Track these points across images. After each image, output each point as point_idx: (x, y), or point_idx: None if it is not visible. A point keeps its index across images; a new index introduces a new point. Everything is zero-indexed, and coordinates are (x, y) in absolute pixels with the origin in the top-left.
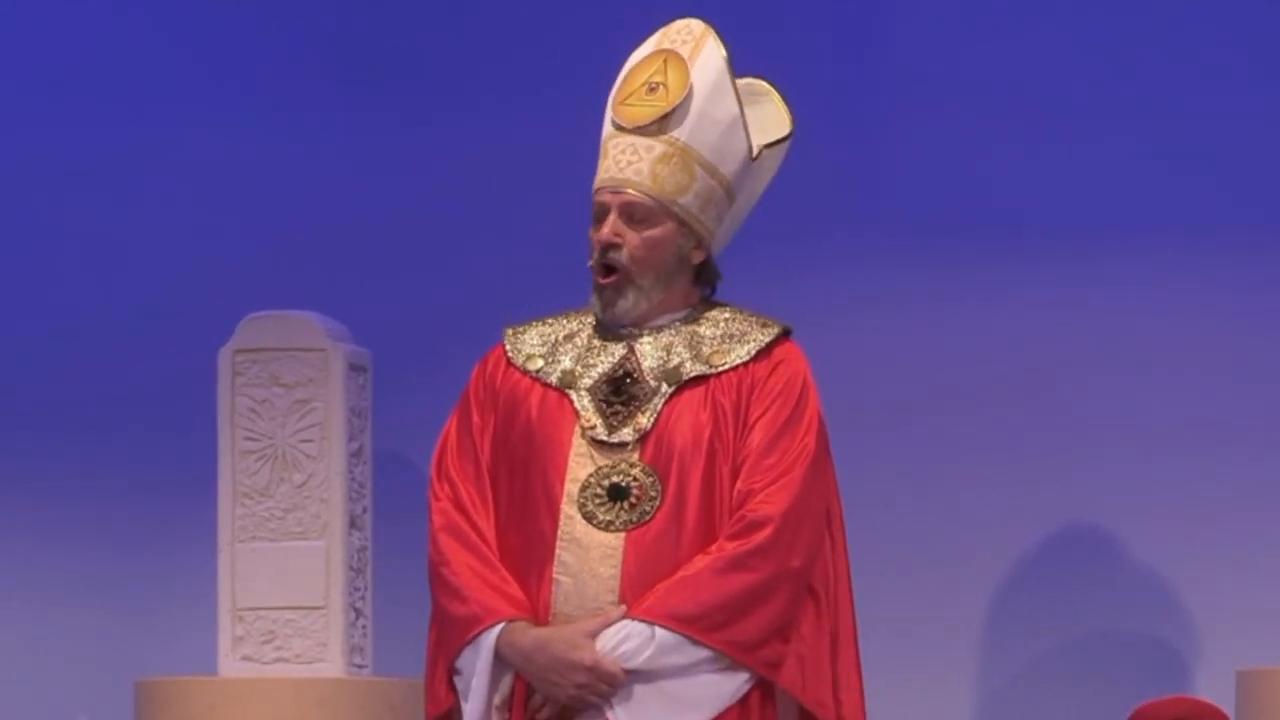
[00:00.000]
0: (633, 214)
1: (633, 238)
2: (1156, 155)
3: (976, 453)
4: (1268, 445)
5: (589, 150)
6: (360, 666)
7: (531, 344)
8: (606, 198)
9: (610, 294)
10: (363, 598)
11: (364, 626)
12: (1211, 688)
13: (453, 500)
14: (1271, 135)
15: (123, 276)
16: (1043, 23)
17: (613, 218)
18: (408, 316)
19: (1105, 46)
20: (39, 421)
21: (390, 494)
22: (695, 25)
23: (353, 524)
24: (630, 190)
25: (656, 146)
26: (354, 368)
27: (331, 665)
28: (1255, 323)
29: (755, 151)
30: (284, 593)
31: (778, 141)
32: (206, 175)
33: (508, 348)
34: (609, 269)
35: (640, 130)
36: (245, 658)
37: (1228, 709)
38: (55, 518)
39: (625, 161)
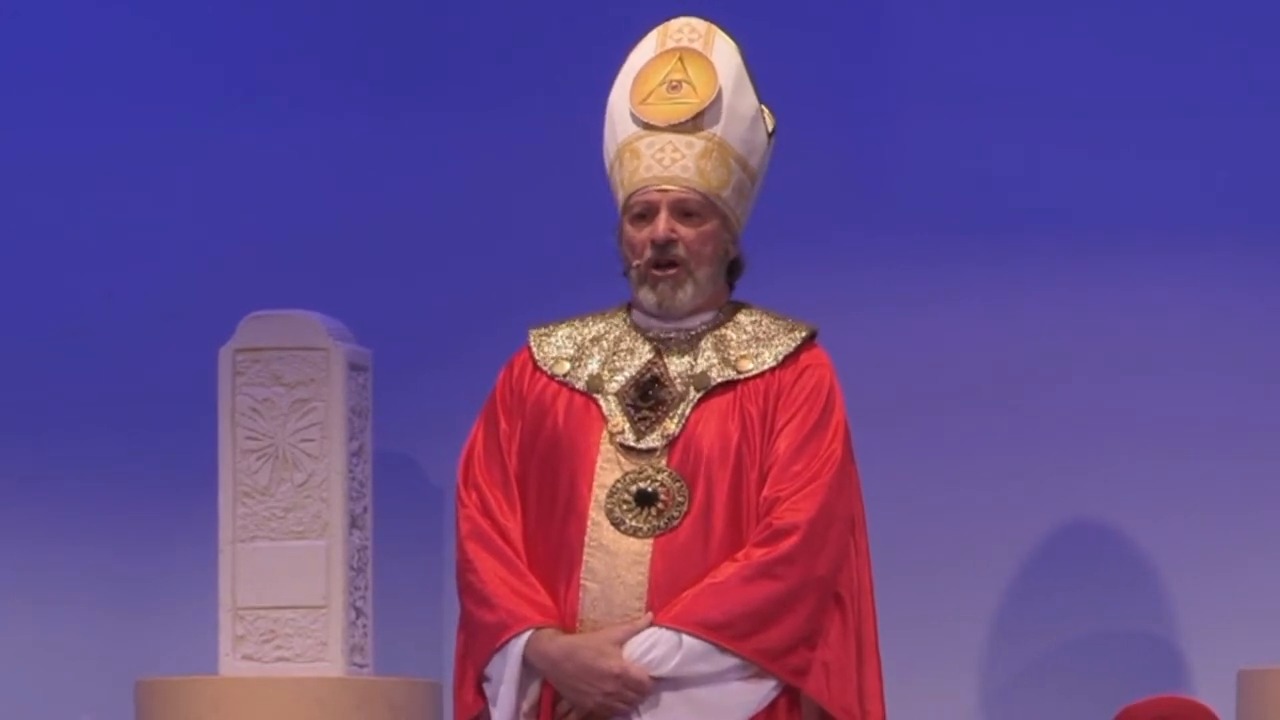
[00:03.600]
0: (685, 210)
1: (687, 233)
2: (1158, 155)
3: (977, 452)
4: (1268, 445)
5: (592, 150)
6: (361, 666)
7: (557, 347)
8: (654, 196)
9: (668, 287)
10: (363, 597)
11: (364, 626)
12: (1213, 688)
13: (480, 507)
14: (1272, 135)
15: (123, 276)
16: (1047, 22)
17: (664, 214)
18: (408, 316)
19: (1109, 46)
20: (40, 421)
21: (391, 493)
22: (698, 23)
23: (353, 523)
24: (680, 187)
25: (697, 143)
26: (355, 367)
27: (332, 665)
28: (1256, 323)
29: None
30: (285, 592)
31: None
32: (207, 174)
33: (534, 351)
34: (669, 263)
35: (676, 128)
36: (246, 657)
37: (1229, 709)
38: (55, 518)
39: (669, 159)
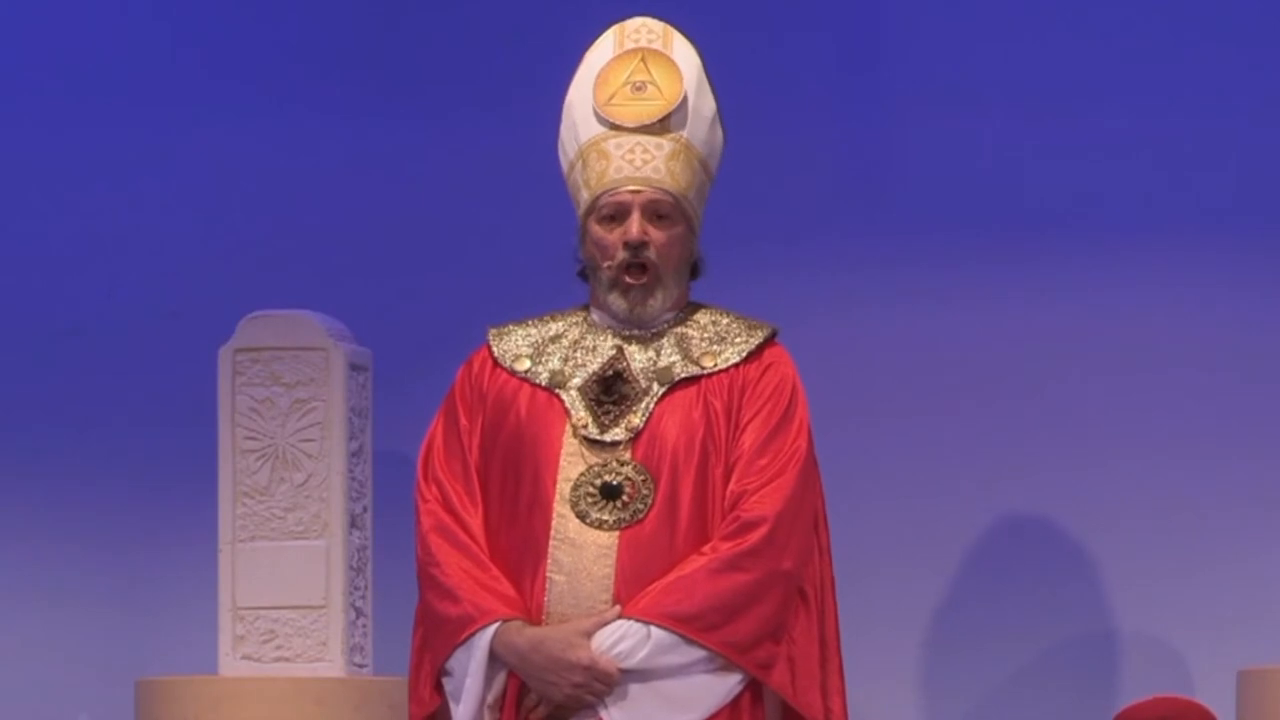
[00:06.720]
0: (658, 212)
1: (659, 235)
2: (1157, 155)
3: (975, 451)
4: (1268, 445)
5: None
6: (360, 666)
7: (517, 345)
8: (625, 197)
9: (640, 294)
10: (363, 597)
11: (364, 626)
12: (1212, 688)
13: (441, 501)
14: (1272, 135)
15: (123, 276)
16: (1047, 22)
17: (636, 216)
18: (408, 316)
19: (1105, 46)
20: (40, 421)
21: (391, 493)
22: (654, 24)
23: (353, 523)
24: (653, 188)
25: (665, 144)
26: (354, 367)
27: (332, 664)
28: (1256, 323)
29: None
30: (284, 592)
31: None
32: (207, 175)
33: (493, 349)
34: (640, 268)
35: (645, 129)
36: (246, 657)
37: (1229, 709)
38: (55, 518)
39: (640, 160)
